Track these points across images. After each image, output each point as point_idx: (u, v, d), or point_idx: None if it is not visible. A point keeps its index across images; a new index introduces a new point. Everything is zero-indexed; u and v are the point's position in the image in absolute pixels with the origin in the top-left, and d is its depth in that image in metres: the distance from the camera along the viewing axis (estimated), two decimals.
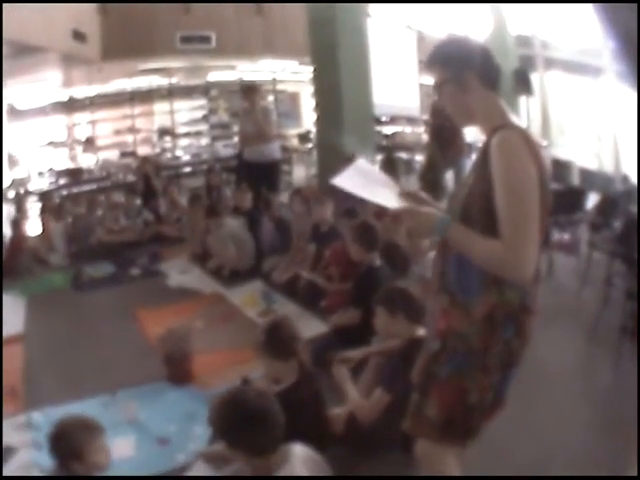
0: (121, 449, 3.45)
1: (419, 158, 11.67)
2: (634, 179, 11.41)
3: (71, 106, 13.70)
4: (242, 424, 2.38)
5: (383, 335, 3.68)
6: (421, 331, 3.33)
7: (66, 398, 4.05)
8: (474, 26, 15.79)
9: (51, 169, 12.88)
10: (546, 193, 2.04)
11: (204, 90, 15.27)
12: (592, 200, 7.83)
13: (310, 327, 5.02)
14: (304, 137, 16.42)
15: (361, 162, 2.50)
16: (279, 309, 5.76)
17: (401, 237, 6.28)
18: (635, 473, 2.57)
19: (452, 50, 2.22)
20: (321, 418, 3.27)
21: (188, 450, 3.50)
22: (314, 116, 10.36)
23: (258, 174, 8.38)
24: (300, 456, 2.44)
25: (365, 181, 2.37)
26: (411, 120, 15.80)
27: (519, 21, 15.42)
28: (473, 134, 9.07)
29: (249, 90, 8.59)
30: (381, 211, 6.63)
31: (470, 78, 2.13)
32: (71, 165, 13.61)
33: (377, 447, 3.26)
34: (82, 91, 13.94)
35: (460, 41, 2.28)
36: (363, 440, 3.29)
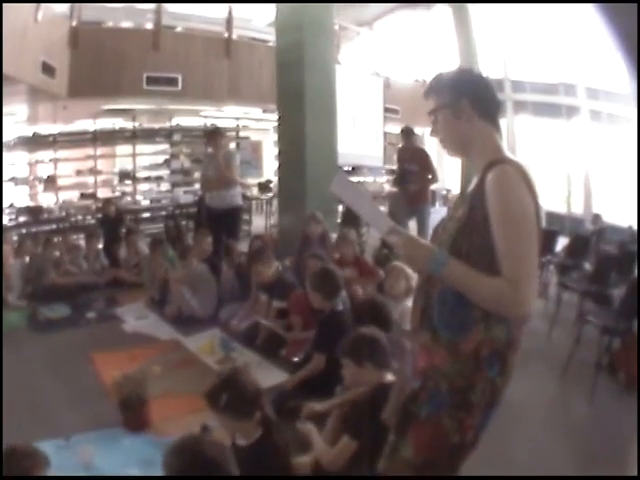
0: None
1: (382, 208, 11.76)
2: (606, 218, 11.57)
3: (35, 142, 13.50)
4: (194, 473, 2.34)
5: (352, 385, 3.58)
6: (389, 376, 3.31)
7: (17, 440, 3.92)
8: (443, 70, 16.06)
9: (12, 205, 12.63)
10: (540, 229, 2.03)
11: (167, 134, 15.18)
12: (560, 243, 8.03)
13: (270, 376, 4.96)
14: (264, 186, 16.48)
15: (343, 174, 2.45)
16: (238, 357, 5.66)
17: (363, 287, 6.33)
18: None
19: (450, 78, 2.24)
20: (287, 468, 3.18)
21: None
22: (276, 165, 10.17)
23: (218, 220, 8.35)
24: None
25: (358, 195, 2.36)
26: (373, 170, 15.93)
27: (490, 64, 15.48)
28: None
29: (214, 134, 8.58)
30: (342, 259, 6.63)
31: (466, 106, 2.15)
32: (30, 203, 13.39)
33: None
34: (47, 128, 13.80)
35: (460, 71, 2.31)
36: None
